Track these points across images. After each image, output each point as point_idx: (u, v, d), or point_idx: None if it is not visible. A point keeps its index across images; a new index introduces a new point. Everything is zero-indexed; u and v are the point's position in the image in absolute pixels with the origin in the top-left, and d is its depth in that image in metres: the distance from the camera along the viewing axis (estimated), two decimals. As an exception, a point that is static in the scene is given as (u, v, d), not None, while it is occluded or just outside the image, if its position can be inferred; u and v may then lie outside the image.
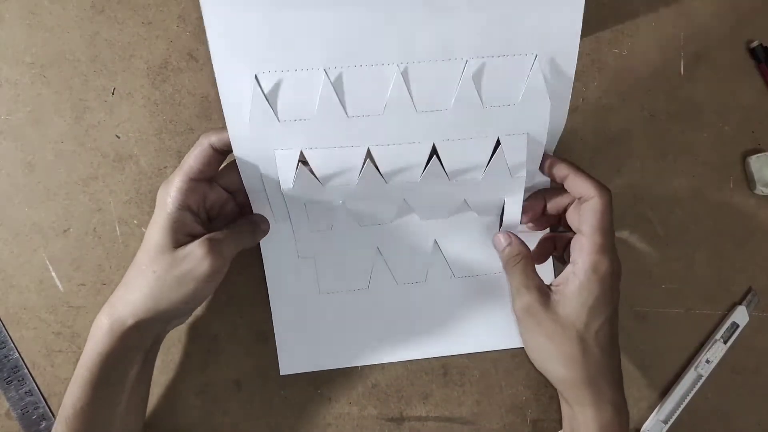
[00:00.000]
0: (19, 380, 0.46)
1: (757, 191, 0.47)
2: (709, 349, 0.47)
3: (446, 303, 0.47)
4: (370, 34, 0.37)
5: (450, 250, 0.46)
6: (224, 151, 0.39)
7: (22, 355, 0.46)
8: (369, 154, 0.39)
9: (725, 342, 0.47)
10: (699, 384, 0.47)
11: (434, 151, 0.40)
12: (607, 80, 0.47)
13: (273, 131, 0.38)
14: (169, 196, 0.39)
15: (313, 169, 0.39)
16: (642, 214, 0.48)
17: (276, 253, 0.46)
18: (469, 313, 0.47)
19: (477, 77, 0.38)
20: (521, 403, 0.48)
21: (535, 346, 0.40)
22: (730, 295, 0.48)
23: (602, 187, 0.39)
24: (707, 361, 0.47)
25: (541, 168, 0.42)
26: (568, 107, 0.40)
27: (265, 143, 0.39)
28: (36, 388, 0.46)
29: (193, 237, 0.39)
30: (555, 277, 0.43)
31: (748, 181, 0.48)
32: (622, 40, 0.47)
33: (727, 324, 0.47)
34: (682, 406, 0.47)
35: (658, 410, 0.47)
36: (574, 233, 0.40)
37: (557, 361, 0.39)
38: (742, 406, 0.48)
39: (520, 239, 0.42)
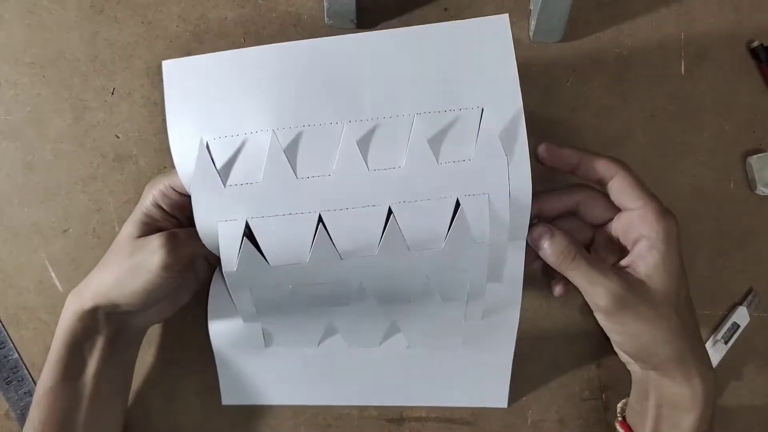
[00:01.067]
0: (18, 381, 0.46)
1: (757, 191, 0.47)
2: (710, 349, 0.47)
3: (398, 364, 0.45)
4: (318, 96, 0.37)
5: (410, 331, 0.44)
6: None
7: (22, 356, 0.46)
8: (321, 221, 0.37)
9: (726, 342, 0.47)
10: (699, 384, 0.47)
11: (391, 217, 0.37)
12: (607, 80, 0.47)
13: (218, 199, 0.37)
14: (150, 193, 0.40)
15: (260, 244, 0.37)
16: (642, 214, 0.48)
17: (220, 306, 0.43)
18: (422, 373, 0.46)
19: (427, 132, 0.37)
20: (521, 404, 0.48)
21: (633, 336, 0.37)
22: (730, 295, 0.48)
23: (620, 162, 0.38)
24: (708, 362, 0.47)
25: (541, 157, 0.39)
26: (529, 168, 0.37)
27: (208, 214, 0.37)
28: (35, 388, 0.46)
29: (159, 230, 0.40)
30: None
31: (749, 181, 0.48)
32: (622, 40, 0.47)
33: (728, 324, 0.47)
34: (683, 407, 0.47)
35: (659, 411, 0.47)
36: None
37: (661, 343, 0.36)
38: (742, 406, 0.48)
39: (558, 230, 0.38)
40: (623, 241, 0.39)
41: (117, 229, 0.46)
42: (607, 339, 0.40)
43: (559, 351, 0.48)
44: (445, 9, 0.46)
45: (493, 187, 0.37)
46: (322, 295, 0.40)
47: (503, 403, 0.46)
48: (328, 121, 0.37)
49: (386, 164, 0.37)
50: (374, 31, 0.38)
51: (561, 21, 0.45)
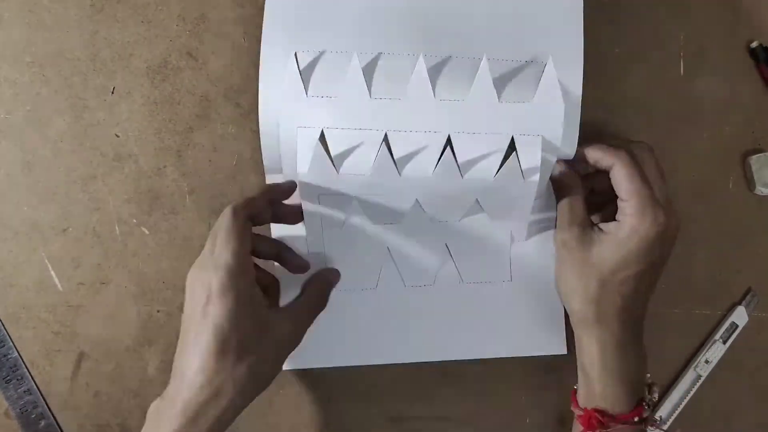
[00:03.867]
0: (18, 379, 0.46)
1: (757, 191, 0.47)
2: (709, 349, 0.47)
3: (453, 308, 0.46)
4: (400, 25, 0.41)
5: (460, 255, 0.46)
6: (253, 218, 0.38)
7: (21, 354, 0.46)
8: (386, 140, 0.40)
9: (724, 342, 0.47)
10: (698, 384, 0.47)
11: (449, 145, 0.40)
12: (607, 80, 0.47)
13: (300, 106, 0.40)
14: (239, 273, 0.35)
15: (330, 150, 0.40)
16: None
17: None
18: (475, 319, 0.47)
19: (494, 72, 0.40)
20: (521, 404, 0.48)
21: (562, 278, 0.42)
22: (729, 295, 0.48)
23: (618, 151, 0.40)
24: (706, 362, 0.47)
25: (558, 176, 0.42)
26: (579, 118, 0.41)
27: (290, 119, 0.40)
28: (35, 387, 0.46)
29: (264, 309, 0.37)
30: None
31: (748, 181, 0.48)
32: (622, 40, 0.47)
33: (727, 324, 0.48)
34: (682, 406, 0.47)
35: (658, 410, 0.47)
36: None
37: (575, 295, 0.40)
38: (742, 407, 0.48)
39: (576, 172, 0.42)
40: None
41: (117, 229, 0.46)
42: None
43: (558, 351, 0.48)
44: (445, 9, 0.46)
45: (548, 130, 0.40)
46: (381, 207, 0.43)
47: (562, 349, 0.47)
48: (405, 51, 0.41)
49: (452, 96, 0.40)
50: None
51: (561, 21, 0.45)
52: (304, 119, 0.40)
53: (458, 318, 0.47)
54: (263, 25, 0.41)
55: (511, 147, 0.40)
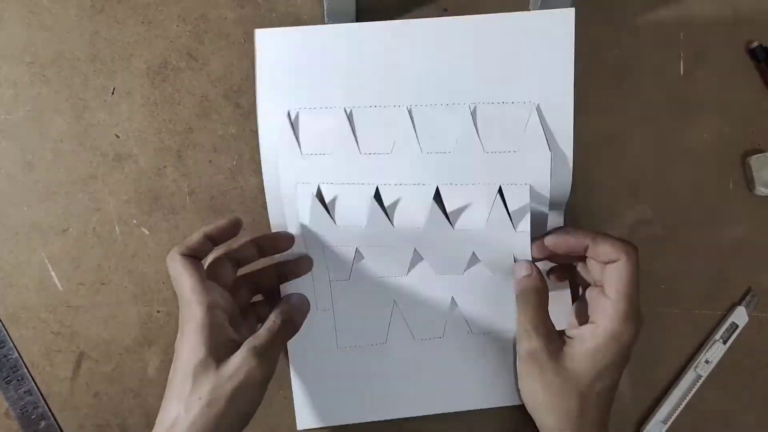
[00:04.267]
0: (18, 380, 0.46)
1: (757, 191, 0.47)
2: (709, 349, 0.47)
3: (463, 359, 0.46)
4: (383, 79, 0.42)
5: (467, 306, 0.45)
6: (217, 238, 0.39)
7: (22, 355, 0.46)
8: (377, 194, 0.41)
9: (725, 342, 0.47)
10: (698, 384, 0.47)
11: (438, 196, 0.41)
12: (607, 80, 0.47)
13: (296, 163, 0.42)
14: (193, 301, 0.36)
15: (327, 205, 0.42)
16: (642, 214, 0.48)
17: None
18: (486, 369, 0.46)
19: (477, 121, 0.41)
20: (521, 404, 0.48)
21: (531, 392, 0.38)
22: (729, 295, 0.48)
23: (629, 247, 0.38)
24: (706, 362, 0.47)
25: (551, 242, 0.40)
26: (571, 165, 0.41)
27: (289, 175, 0.42)
28: (35, 387, 0.46)
29: (230, 341, 0.37)
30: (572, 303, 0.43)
31: (748, 181, 0.48)
32: (622, 40, 0.47)
33: (727, 324, 0.47)
34: (682, 407, 0.47)
35: (658, 411, 0.47)
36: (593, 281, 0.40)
37: (550, 412, 0.38)
38: (742, 407, 0.48)
39: (542, 275, 0.40)
40: (590, 305, 0.40)
41: (117, 229, 0.46)
42: None
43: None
44: (445, 9, 0.46)
45: (536, 179, 0.40)
46: (383, 259, 0.43)
47: None
48: (392, 104, 0.42)
49: (438, 148, 0.41)
50: (446, 17, 0.42)
51: (560, 21, 0.45)
52: (302, 175, 0.42)
53: (469, 369, 0.46)
54: (257, 82, 0.42)
55: (501, 197, 0.40)
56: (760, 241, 0.48)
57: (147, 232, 0.46)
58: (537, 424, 0.39)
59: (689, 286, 0.48)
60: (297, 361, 0.46)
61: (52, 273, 0.46)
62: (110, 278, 0.46)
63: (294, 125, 0.42)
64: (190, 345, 0.36)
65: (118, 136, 0.46)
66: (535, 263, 0.41)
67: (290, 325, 0.41)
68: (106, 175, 0.46)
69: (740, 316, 0.48)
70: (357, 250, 0.43)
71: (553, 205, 0.42)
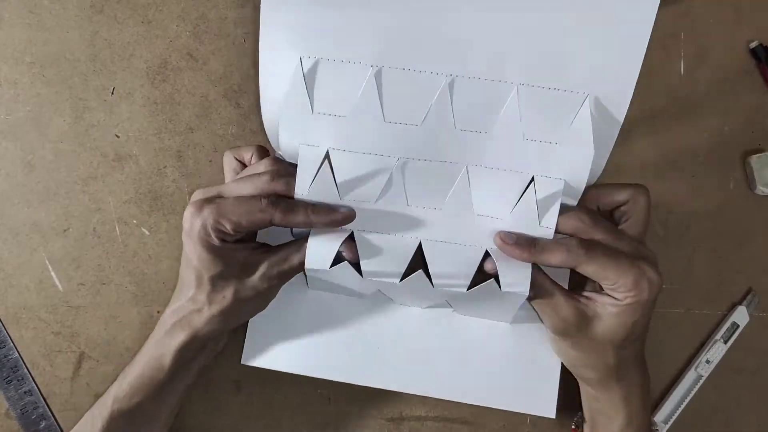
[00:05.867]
0: (18, 380, 0.46)
1: (757, 191, 0.47)
2: (709, 349, 0.47)
3: (447, 351, 0.44)
4: (424, 38, 0.35)
5: (459, 295, 0.40)
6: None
7: (22, 355, 0.46)
8: (398, 168, 0.37)
9: (725, 342, 0.47)
10: (699, 384, 0.47)
11: (464, 176, 0.38)
12: (607, 80, 0.47)
13: (304, 122, 0.36)
14: (206, 227, 0.36)
15: (335, 174, 0.37)
16: (642, 214, 0.48)
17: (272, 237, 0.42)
18: (469, 366, 0.44)
19: (524, 105, 0.36)
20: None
21: (566, 356, 0.41)
22: (730, 295, 0.48)
23: (638, 188, 0.38)
24: (707, 362, 0.47)
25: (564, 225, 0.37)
26: (607, 157, 0.38)
27: (292, 135, 0.37)
28: (35, 387, 0.46)
29: (242, 249, 0.38)
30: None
31: (748, 181, 0.48)
32: (622, 40, 0.47)
33: (727, 324, 0.47)
34: (682, 407, 0.47)
35: (658, 410, 0.47)
36: None
37: (590, 369, 0.40)
38: (742, 407, 0.48)
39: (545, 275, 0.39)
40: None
41: (117, 229, 0.46)
42: None
43: (558, 351, 0.48)
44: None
45: (570, 176, 0.37)
46: (385, 251, 0.39)
47: (551, 413, 0.44)
48: (430, 70, 0.36)
49: (474, 127, 0.37)
50: None
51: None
52: (308, 136, 0.37)
53: (450, 361, 0.44)
54: (260, 21, 0.36)
55: (532, 188, 0.37)
56: (761, 240, 0.48)
57: (147, 232, 0.46)
58: (577, 378, 0.42)
59: (690, 286, 0.48)
60: None
61: (53, 273, 0.46)
62: (110, 278, 0.46)
63: (307, 77, 0.36)
64: (204, 258, 0.37)
65: (118, 136, 0.46)
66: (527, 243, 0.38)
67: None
68: (106, 175, 0.46)
69: (741, 316, 0.47)
70: (356, 233, 0.38)
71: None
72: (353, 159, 0.37)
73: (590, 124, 0.36)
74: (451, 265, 0.38)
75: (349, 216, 0.37)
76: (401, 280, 0.38)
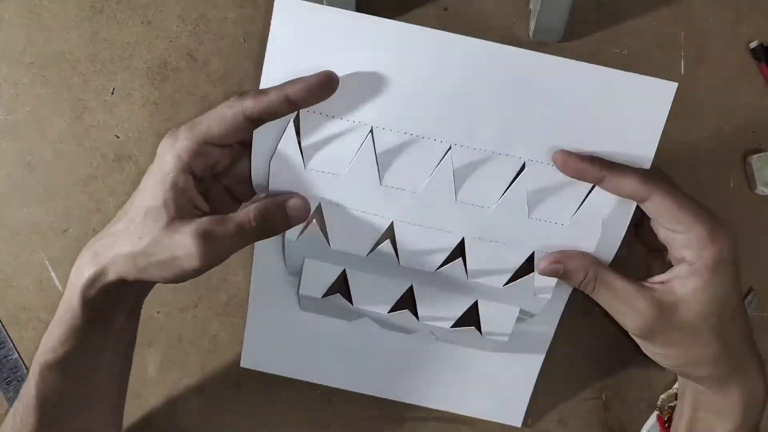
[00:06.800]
0: (18, 380, 0.46)
1: (757, 191, 0.47)
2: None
3: (428, 362, 0.45)
4: (431, 105, 0.34)
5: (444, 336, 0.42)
6: (258, 119, 0.33)
7: (22, 356, 0.46)
8: (391, 230, 0.36)
9: (725, 342, 0.47)
10: (699, 384, 0.47)
11: (461, 247, 0.36)
12: (607, 80, 0.47)
13: (296, 178, 0.35)
14: (176, 156, 0.33)
15: (327, 225, 0.36)
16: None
17: (265, 262, 0.43)
18: (446, 374, 0.45)
19: (531, 182, 0.35)
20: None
21: (669, 360, 0.36)
22: (730, 295, 0.48)
23: (651, 179, 0.34)
24: (707, 361, 0.47)
25: (557, 165, 0.35)
26: (618, 244, 0.36)
27: (283, 185, 0.35)
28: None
29: (193, 207, 0.34)
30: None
31: (748, 181, 0.48)
32: (622, 40, 0.47)
33: (728, 324, 0.47)
34: (683, 407, 0.47)
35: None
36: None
37: (698, 365, 0.35)
38: (743, 407, 0.48)
39: (578, 253, 0.36)
40: (669, 250, 0.35)
41: (117, 229, 0.46)
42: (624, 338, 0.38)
43: (558, 351, 0.47)
44: (445, 9, 0.46)
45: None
46: (373, 292, 0.39)
47: (517, 422, 0.46)
48: (434, 137, 0.34)
49: (475, 200, 0.35)
50: (519, 49, 0.33)
51: (561, 21, 0.45)
52: (299, 190, 0.35)
53: (430, 371, 0.45)
54: (265, 59, 0.34)
55: (529, 262, 0.36)
56: (761, 240, 0.48)
57: (147, 233, 0.46)
58: (692, 381, 0.37)
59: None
60: (258, 292, 0.44)
61: (52, 274, 0.46)
62: (110, 279, 0.46)
63: (299, 131, 0.34)
64: (151, 189, 0.33)
65: (117, 137, 0.46)
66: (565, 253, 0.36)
67: (264, 226, 0.34)
68: (106, 176, 0.46)
69: (741, 316, 0.47)
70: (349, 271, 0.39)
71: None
72: (345, 214, 0.36)
73: (599, 206, 0.35)
74: (440, 310, 0.39)
75: (326, 77, 0.33)
76: (389, 312, 0.39)
